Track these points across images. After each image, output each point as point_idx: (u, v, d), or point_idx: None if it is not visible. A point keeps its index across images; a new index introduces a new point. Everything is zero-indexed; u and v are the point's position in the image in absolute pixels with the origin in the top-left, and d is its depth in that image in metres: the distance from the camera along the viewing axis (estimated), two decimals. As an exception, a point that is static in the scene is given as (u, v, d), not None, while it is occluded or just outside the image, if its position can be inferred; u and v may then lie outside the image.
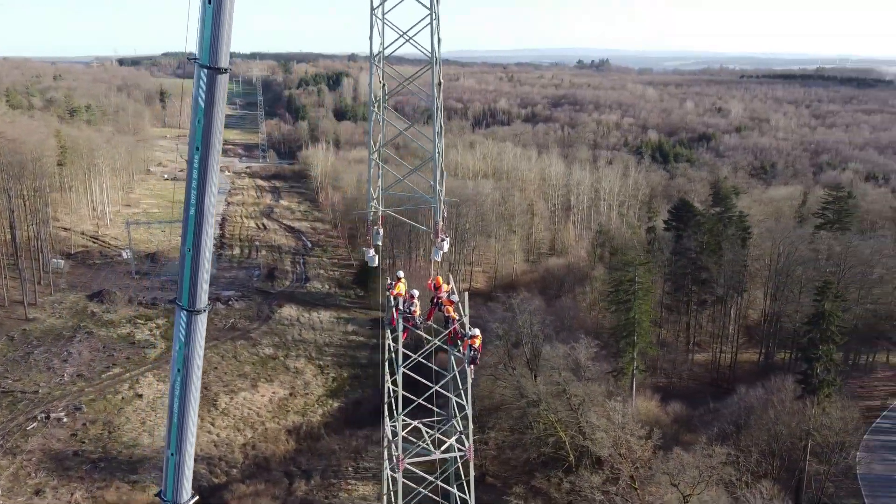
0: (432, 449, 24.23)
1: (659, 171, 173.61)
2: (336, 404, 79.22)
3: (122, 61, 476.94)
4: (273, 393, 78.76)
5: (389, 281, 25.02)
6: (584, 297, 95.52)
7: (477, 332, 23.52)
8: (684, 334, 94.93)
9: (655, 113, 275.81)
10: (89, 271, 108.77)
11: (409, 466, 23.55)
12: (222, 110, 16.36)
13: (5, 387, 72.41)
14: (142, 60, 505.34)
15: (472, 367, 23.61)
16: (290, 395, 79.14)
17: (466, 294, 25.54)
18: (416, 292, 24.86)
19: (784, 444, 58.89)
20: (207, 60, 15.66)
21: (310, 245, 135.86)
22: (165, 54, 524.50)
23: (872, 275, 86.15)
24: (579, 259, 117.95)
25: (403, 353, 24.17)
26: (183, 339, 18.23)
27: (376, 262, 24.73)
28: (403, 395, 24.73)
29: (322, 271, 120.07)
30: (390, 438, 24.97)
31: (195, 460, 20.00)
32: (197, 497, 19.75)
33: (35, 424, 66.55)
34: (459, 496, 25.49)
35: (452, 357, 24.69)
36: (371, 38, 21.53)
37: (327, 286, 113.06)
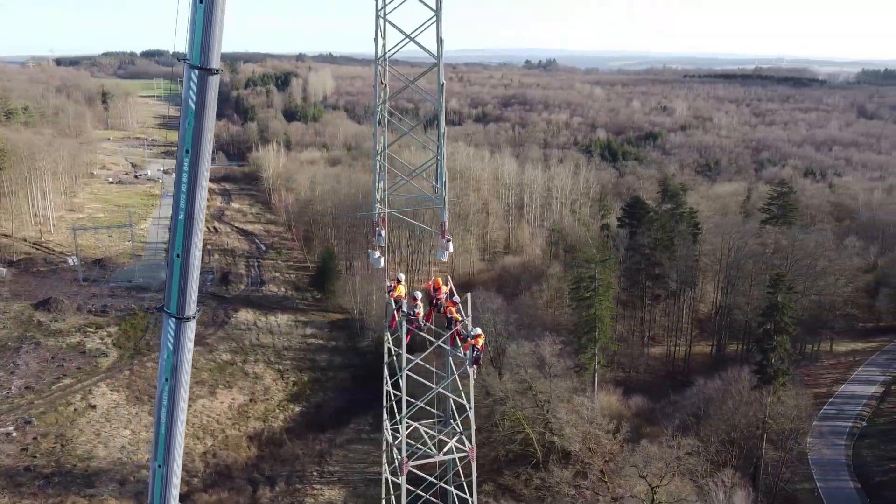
0: (434, 451, 24.16)
1: (608, 170, 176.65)
2: (297, 409, 78.33)
3: (59, 61, 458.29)
4: (232, 399, 77.34)
5: (389, 284, 24.84)
6: (541, 295, 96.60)
7: (479, 331, 23.56)
8: (639, 329, 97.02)
9: (603, 112, 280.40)
10: (34, 279, 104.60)
11: (409, 468, 23.46)
12: (213, 112, 16.03)
13: (-52, 402, 69.34)
14: (81, 60, 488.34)
15: (474, 367, 23.63)
16: (250, 400, 77.84)
17: (469, 295, 25.48)
18: (419, 294, 24.75)
19: (742, 432, 60.82)
20: (198, 61, 15.32)
21: (264, 248, 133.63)
22: (106, 54, 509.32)
23: (817, 267, 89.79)
24: (534, 257, 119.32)
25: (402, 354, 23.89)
26: (171, 348, 17.87)
27: (381, 263, 24.53)
28: (400, 397, 24.52)
29: (278, 274, 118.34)
30: (391, 442, 24.79)
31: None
32: None
33: (-18, 440, 63.89)
34: (459, 496, 25.48)
35: (451, 358, 24.63)
36: (375, 39, 21.45)
37: (284, 289, 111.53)
